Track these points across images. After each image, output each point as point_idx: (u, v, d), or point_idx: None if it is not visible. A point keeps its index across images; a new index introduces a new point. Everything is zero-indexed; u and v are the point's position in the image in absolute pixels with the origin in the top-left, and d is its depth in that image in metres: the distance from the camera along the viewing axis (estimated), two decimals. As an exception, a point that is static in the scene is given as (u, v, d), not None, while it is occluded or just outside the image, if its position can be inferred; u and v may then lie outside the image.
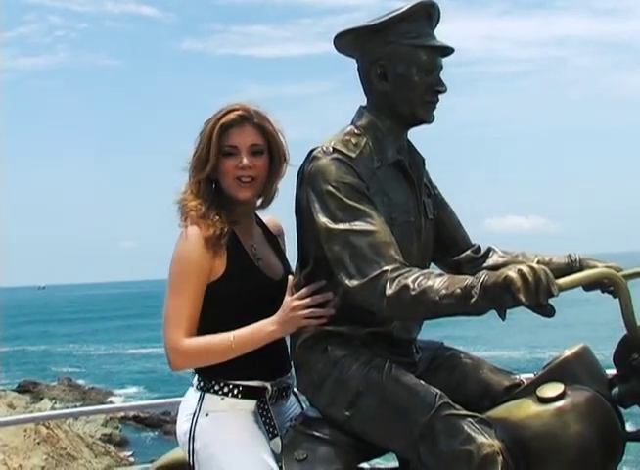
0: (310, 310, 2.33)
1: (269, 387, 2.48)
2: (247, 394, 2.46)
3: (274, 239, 2.69)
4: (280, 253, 2.68)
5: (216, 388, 2.46)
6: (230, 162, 2.49)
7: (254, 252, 2.55)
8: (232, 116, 2.50)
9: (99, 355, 48.44)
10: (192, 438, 2.44)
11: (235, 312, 2.43)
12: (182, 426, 2.49)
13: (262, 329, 2.38)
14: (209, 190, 2.52)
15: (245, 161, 2.48)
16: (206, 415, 2.44)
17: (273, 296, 2.45)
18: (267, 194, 2.61)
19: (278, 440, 2.40)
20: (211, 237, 2.41)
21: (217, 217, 2.44)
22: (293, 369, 2.51)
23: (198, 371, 2.53)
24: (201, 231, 2.42)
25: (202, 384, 2.49)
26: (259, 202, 2.64)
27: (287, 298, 2.38)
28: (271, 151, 2.55)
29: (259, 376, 2.47)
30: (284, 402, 2.56)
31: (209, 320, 2.47)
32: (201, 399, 2.47)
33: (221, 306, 2.44)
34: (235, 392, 2.45)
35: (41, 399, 25.74)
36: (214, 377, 2.47)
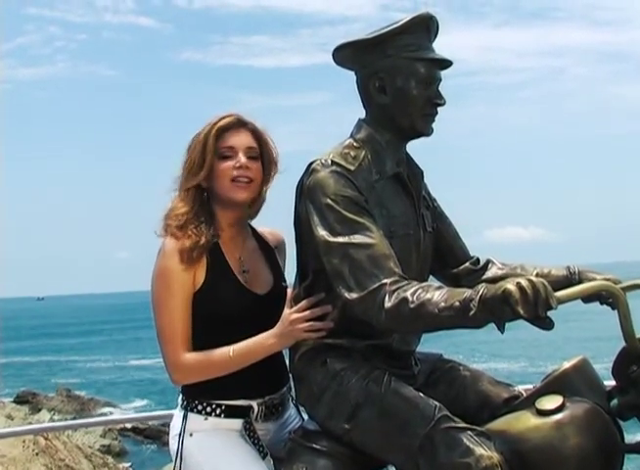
0: (309, 323, 2.32)
1: (255, 406, 2.45)
2: (230, 413, 2.44)
3: (270, 251, 2.65)
4: (274, 266, 2.63)
5: (199, 408, 2.45)
6: (227, 163, 2.47)
7: (241, 263, 2.52)
8: (228, 119, 2.51)
9: (99, 367, 48.28)
10: (181, 458, 2.43)
11: (214, 325, 2.42)
12: (172, 446, 2.48)
13: (261, 342, 2.36)
14: (198, 198, 2.50)
15: (243, 159, 2.47)
16: (191, 435, 2.43)
17: (257, 309, 2.44)
18: (258, 200, 2.59)
19: (269, 459, 2.39)
20: (187, 249, 2.39)
21: (195, 229, 2.42)
22: (291, 383, 2.50)
23: (182, 390, 2.52)
24: (177, 243, 2.40)
25: (185, 403, 2.48)
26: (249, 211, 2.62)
27: (286, 310, 2.37)
28: (263, 158, 2.54)
29: (244, 395, 2.45)
30: (277, 419, 2.53)
31: (193, 339, 2.46)
32: (185, 418, 2.46)
33: (199, 319, 2.42)
34: (218, 412, 2.44)
35: (40, 410, 25.68)
36: (197, 396, 2.46)
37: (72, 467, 15.11)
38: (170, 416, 2.64)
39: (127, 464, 19.90)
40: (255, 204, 2.59)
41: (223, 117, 2.52)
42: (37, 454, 14.12)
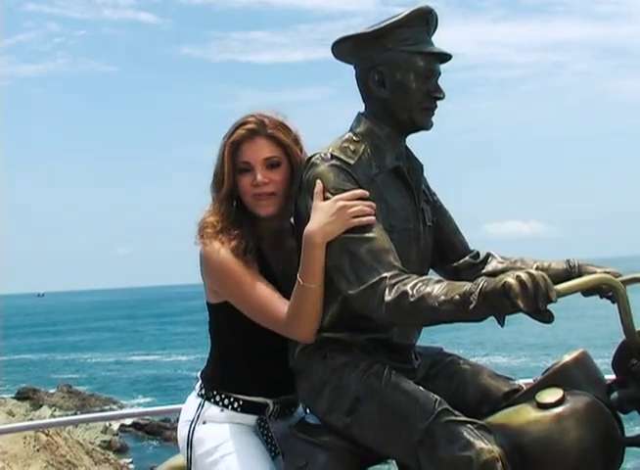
0: (359, 207, 2.19)
1: (270, 404, 2.46)
2: (247, 408, 2.44)
3: None
4: None
5: (217, 399, 2.45)
6: (246, 179, 2.43)
7: (281, 268, 2.49)
8: (241, 131, 2.43)
9: (100, 363, 48.31)
10: (190, 444, 2.43)
11: (251, 327, 2.38)
12: (181, 431, 2.48)
13: (311, 246, 2.22)
14: (230, 207, 2.45)
15: (259, 177, 2.41)
16: (204, 423, 2.43)
17: None
18: (289, 207, 2.48)
19: (280, 459, 2.38)
20: (235, 248, 2.35)
21: (237, 231, 2.38)
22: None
23: (202, 377, 2.53)
24: (223, 245, 2.36)
25: (203, 391, 2.49)
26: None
27: (323, 202, 2.22)
28: (290, 161, 2.47)
29: (262, 392, 2.45)
30: (289, 418, 2.51)
31: (224, 332, 2.48)
32: (201, 406, 2.46)
33: (238, 320, 2.40)
34: (235, 405, 2.44)
35: (40, 406, 25.68)
36: (216, 387, 2.46)
37: (73, 463, 15.15)
38: (170, 411, 2.64)
39: (128, 460, 19.93)
40: (287, 211, 2.49)
41: (238, 128, 2.44)
42: (38, 450, 14.17)
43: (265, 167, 2.43)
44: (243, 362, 2.47)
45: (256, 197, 2.43)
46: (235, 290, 2.37)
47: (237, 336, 2.46)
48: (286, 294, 2.35)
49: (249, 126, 2.44)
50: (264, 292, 2.35)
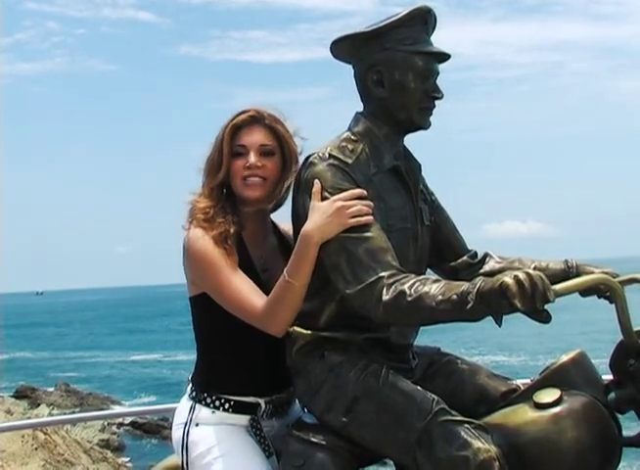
0: (358, 207, 2.21)
1: (262, 403, 2.45)
2: (238, 409, 2.44)
3: (290, 250, 2.51)
4: None
5: (208, 401, 2.45)
6: (239, 162, 2.46)
7: (262, 262, 2.51)
8: (243, 117, 2.50)
9: (98, 361, 48.27)
10: (185, 447, 2.43)
11: (233, 322, 2.38)
12: (175, 434, 2.49)
13: (306, 244, 2.24)
14: (220, 195, 2.49)
15: (252, 159, 2.45)
16: (197, 425, 2.43)
17: None
18: (276, 197, 2.54)
19: (274, 458, 2.39)
20: (217, 236, 2.38)
21: (222, 219, 2.41)
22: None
23: (192, 380, 2.53)
24: (205, 232, 2.39)
25: (194, 394, 2.48)
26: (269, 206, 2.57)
27: (321, 202, 2.23)
28: (283, 153, 2.52)
29: (253, 392, 2.45)
30: (282, 416, 2.51)
31: (206, 328, 2.47)
32: (192, 409, 2.46)
33: (218, 314, 2.40)
34: (226, 406, 2.44)
35: (39, 404, 25.66)
36: (207, 389, 2.46)
37: (71, 462, 15.15)
38: (168, 410, 2.64)
39: (126, 458, 19.92)
40: (272, 199, 2.54)
41: (239, 114, 2.51)
42: (36, 449, 14.16)
43: (260, 154, 2.47)
44: (229, 361, 2.46)
45: (246, 180, 2.46)
46: (213, 279, 2.38)
47: (219, 331, 2.45)
48: (264, 288, 2.37)
49: (250, 113, 2.51)
50: (242, 283, 2.36)
